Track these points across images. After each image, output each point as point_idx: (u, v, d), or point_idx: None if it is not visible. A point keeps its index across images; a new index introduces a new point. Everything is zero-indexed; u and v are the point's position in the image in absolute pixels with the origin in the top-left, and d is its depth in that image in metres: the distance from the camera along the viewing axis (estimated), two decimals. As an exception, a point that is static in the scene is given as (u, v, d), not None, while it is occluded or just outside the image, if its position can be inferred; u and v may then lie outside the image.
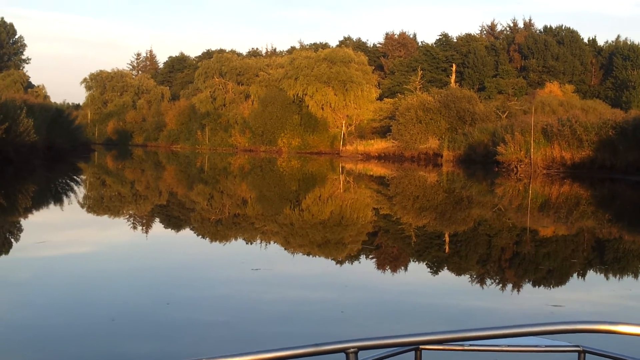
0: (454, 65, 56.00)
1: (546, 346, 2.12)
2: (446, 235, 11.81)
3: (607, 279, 8.26)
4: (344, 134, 50.68)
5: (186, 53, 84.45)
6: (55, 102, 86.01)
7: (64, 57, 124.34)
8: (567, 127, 27.85)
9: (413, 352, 2.04)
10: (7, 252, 9.10)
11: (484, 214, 15.03)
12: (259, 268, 8.02)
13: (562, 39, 56.73)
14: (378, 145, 44.82)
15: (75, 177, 26.79)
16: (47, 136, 32.94)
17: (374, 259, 9.41)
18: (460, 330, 1.35)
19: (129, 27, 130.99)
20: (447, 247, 10.50)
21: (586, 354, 2.04)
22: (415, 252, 10.04)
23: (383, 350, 1.86)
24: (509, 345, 2.06)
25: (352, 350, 1.29)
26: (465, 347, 2.04)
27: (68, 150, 37.20)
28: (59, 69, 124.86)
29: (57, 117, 38.10)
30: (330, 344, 1.32)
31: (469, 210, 15.80)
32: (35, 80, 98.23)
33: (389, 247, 10.56)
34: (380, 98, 55.36)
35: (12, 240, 10.28)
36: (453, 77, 54.52)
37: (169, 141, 66.23)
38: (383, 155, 43.29)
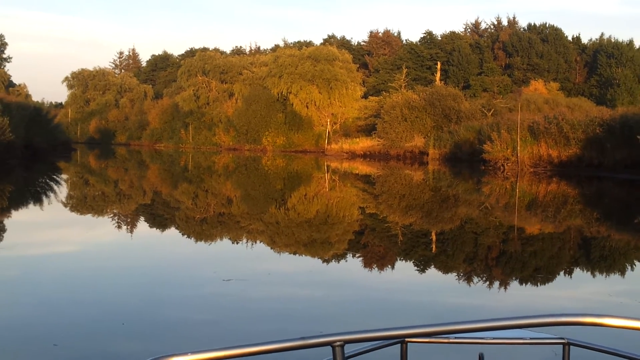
0: (438, 63, 56.31)
1: (531, 338, 2.14)
2: (433, 234, 11.87)
3: (594, 276, 8.37)
4: (329, 132, 50.65)
5: (169, 51, 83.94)
6: (36, 101, 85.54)
7: (46, 56, 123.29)
8: (554, 125, 27.91)
9: (399, 346, 2.06)
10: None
11: (470, 213, 15.11)
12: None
13: (546, 37, 57.22)
14: (363, 143, 44.76)
15: (55, 176, 26.49)
16: (25, 135, 32.38)
17: (361, 258, 9.43)
18: (445, 323, 1.37)
19: (111, 25, 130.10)
20: (433, 246, 10.55)
21: (570, 346, 2.06)
22: (401, 250, 10.09)
23: (369, 343, 1.87)
24: (494, 338, 2.08)
25: (338, 343, 1.31)
26: (451, 340, 2.06)
27: (47, 149, 36.65)
28: (41, 68, 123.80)
29: (36, 115, 37.54)
30: (316, 337, 1.33)
31: (455, 209, 15.88)
32: (17, 79, 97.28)
33: (376, 245, 10.59)
34: (365, 96, 55.48)
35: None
36: (438, 75, 54.81)
37: (152, 140, 65.83)
38: (368, 154, 43.22)
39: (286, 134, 53.30)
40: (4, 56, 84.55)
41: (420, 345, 2.11)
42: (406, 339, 2.02)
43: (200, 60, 64.42)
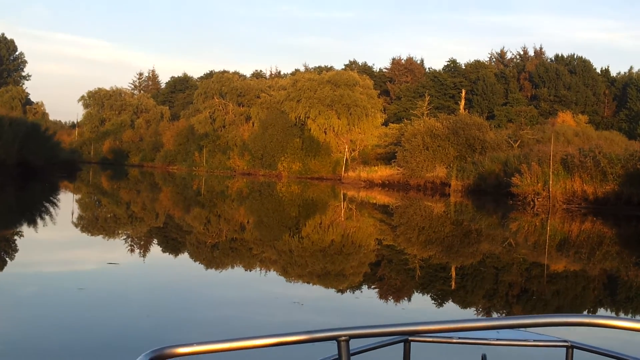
0: (463, 91, 56.24)
1: (534, 340, 2.17)
2: (452, 269, 11.78)
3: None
4: (346, 159, 50.61)
5: (190, 74, 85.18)
6: (53, 120, 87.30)
7: (66, 76, 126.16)
8: (590, 159, 26.63)
9: (402, 345, 2.11)
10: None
11: (493, 249, 14.97)
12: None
13: (574, 68, 57.21)
14: (382, 172, 44.43)
15: (50, 197, 26.35)
16: (18, 152, 31.12)
17: (376, 290, 9.39)
18: (449, 320, 1.40)
19: (133, 47, 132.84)
20: (452, 282, 10.46)
21: (574, 349, 2.08)
22: (419, 284, 10.02)
23: (373, 340, 1.91)
24: (497, 339, 2.12)
25: (343, 338, 1.34)
26: (454, 340, 2.11)
27: (45, 168, 35.13)
28: (61, 87, 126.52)
29: (33, 132, 36.20)
30: (322, 332, 1.37)
31: (477, 245, 15.74)
32: (36, 98, 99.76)
33: (392, 279, 10.54)
34: (385, 124, 55.62)
35: None
36: (462, 102, 54.67)
37: (165, 162, 66.45)
38: (387, 183, 42.86)
39: (302, 159, 53.38)
40: (23, 74, 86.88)
41: (423, 345, 2.14)
42: (409, 338, 2.07)
43: (217, 82, 65.13)
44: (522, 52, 65.44)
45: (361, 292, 9.14)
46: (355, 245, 14.92)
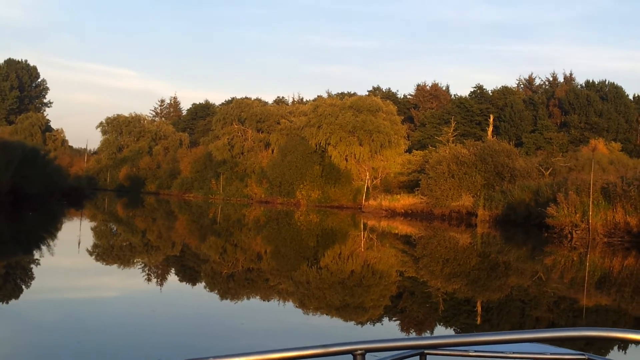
0: (491, 117, 55.95)
1: (551, 354, 2.19)
2: (478, 303, 11.59)
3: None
4: (367, 187, 50.40)
5: (212, 101, 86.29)
6: (72, 147, 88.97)
7: (87, 103, 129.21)
8: (634, 187, 25.18)
9: (418, 357, 2.15)
10: None
11: (523, 284, 14.72)
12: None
13: (606, 95, 56.84)
14: (405, 200, 43.82)
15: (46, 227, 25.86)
16: (11, 179, 29.72)
17: (397, 322, 9.28)
18: (465, 334, 1.46)
19: (156, 74, 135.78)
20: (478, 317, 10.29)
21: None
22: (442, 318, 9.88)
23: (389, 353, 1.95)
24: (514, 352, 2.15)
25: (359, 352, 1.36)
26: (470, 353, 2.14)
27: (39, 195, 33.28)
28: (85, 115, 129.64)
29: (31, 157, 34.80)
30: (338, 345, 1.38)
31: (505, 279, 15.50)
32: (60, 125, 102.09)
33: (414, 311, 10.42)
34: (409, 151, 55.54)
35: None
36: (490, 128, 54.32)
37: (182, 189, 66.93)
38: (410, 212, 42.21)
39: (322, 187, 53.31)
40: (45, 101, 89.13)
41: (439, 359, 2.18)
42: (425, 351, 2.09)
43: (236, 108, 65.72)
44: (551, 79, 65.27)
45: (382, 324, 9.06)
46: (375, 277, 14.79)
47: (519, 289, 13.51)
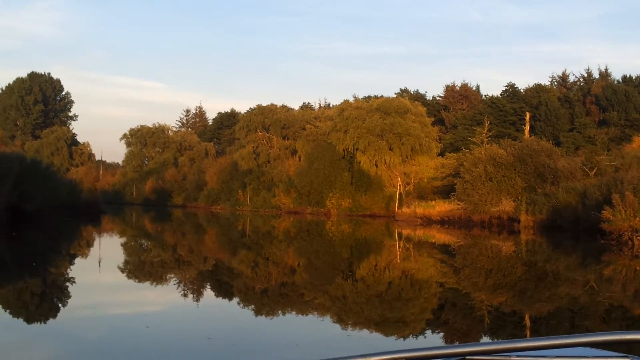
0: (527, 114, 54.89)
1: (594, 357, 2.23)
2: (526, 316, 11.41)
3: None
4: (400, 193, 49.93)
5: (237, 109, 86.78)
6: (108, 161, 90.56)
7: (113, 116, 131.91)
8: None
9: None
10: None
11: (573, 292, 14.46)
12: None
13: (647, 89, 55.86)
14: (440, 207, 42.85)
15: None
16: (7, 195, 27.79)
17: (441, 334, 9.19)
18: (507, 341, 1.44)
19: (181, 85, 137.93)
20: (526, 330, 10.12)
21: None
22: (487, 330, 9.75)
23: None
24: (556, 356, 2.18)
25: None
26: (512, 358, 2.16)
27: (40, 212, 30.93)
28: (107, 128, 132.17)
29: (30, 170, 32.81)
30: (378, 355, 1.40)
31: (555, 289, 15.23)
32: (83, 138, 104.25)
33: (457, 323, 10.32)
34: (441, 154, 55.07)
35: None
36: (527, 127, 53.25)
37: (208, 201, 67.34)
38: (446, 220, 41.09)
39: (352, 195, 52.93)
40: (70, 114, 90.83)
41: None
42: (467, 357, 2.10)
43: (259, 115, 65.78)
44: (585, 75, 64.26)
45: (424, 337, 8.99)
46: (415, 289, 14.68)
47: (570, 299, 13.24)
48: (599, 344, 1.39)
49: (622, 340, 1.36)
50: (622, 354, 2.21)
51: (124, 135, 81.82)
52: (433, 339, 8.97)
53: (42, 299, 12.09)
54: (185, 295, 12.86)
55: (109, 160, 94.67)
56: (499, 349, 1.48)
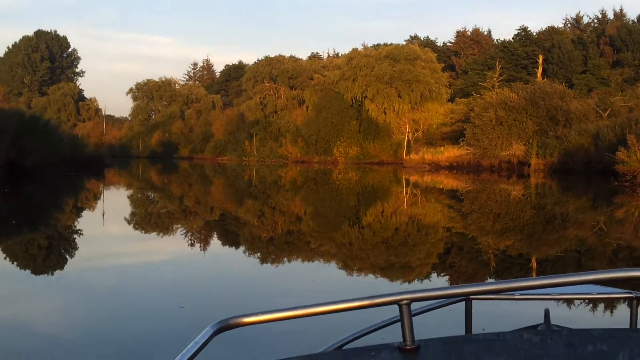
0: (540, 57, 54.11)
1: (598, 293, 2.29)
2: (533, 259, 11.40)
3: None
4: (408, 140, 49.70)
5: (245, 62, 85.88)
6: (113, 115, 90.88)
7: (120, 71, 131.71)
8: None
9: (464, 303, 2.28)
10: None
11: (581, 234, 14.41)
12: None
13: (663, 28, 54.67)
14: (449, 153, 42.71)
15: None
16: (6, 151, 27.56)
17: (446, 278, 9.20)
18: (510, 280, 1.44)
19: (189, 38, 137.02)
20: (532, 271, 10.12)
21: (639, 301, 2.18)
22: (493, 272, 9.75)
23: (435, 301, 2.08)
24: (560, 293, 2.24)
25: (404, 302, 1.40)
26: (516, 297, 2.25)
27: (40, 167, 30.33)
28: (116, 83, 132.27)
29: (29, 126, 32.24)
30: (383, 297, 1.44)
31: (564, 231, 15.20)
32: (90, 94, 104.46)
33: (463, 267, 10.33)
34: (451, 100, 54.57)
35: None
36: (539, 69, 52.60)
37: (215, 153, 67.49)
38: (455, 165, 41.08)
39: (360, 143, 52.91)
40: (77, 70, 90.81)
41: (484, 302, 2.29)
42: (471, 297, 2.20)
43: (267, 65, 65.36)
44: (600, 16, 62.90)
45: (430, 280, 9.01)
46: (421, 234, 14.69)
47: (578, 240, 13.22)
48: (603, 282, 1.42)
49: (627, 278, 1.36)
50: (627, 290, 2.23)
51: (131, 90, 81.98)
52: (439, 283, 8.99)
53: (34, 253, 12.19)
54: (192, 245, 12.95)
55: (117, 115, 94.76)
56: (502, 288, 1.47)
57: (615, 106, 37.43)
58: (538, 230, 15.04)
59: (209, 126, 71.12)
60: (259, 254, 11.91)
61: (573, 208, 20.05)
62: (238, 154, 63.85)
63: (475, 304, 2.32)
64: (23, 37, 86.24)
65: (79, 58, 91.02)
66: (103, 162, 44.82)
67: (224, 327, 1.42)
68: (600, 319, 6.12)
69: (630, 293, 2.19)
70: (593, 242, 12.96)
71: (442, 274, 9.81)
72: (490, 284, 1.48)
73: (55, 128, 39.51)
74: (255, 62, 73.89)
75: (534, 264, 10.69)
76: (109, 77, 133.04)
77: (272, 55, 67.13)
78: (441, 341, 1.41)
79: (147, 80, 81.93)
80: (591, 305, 5.35)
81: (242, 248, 12.97)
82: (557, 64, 55.38)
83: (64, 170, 34.00)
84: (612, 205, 20.00)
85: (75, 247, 12.34)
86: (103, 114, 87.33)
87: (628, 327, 2.16)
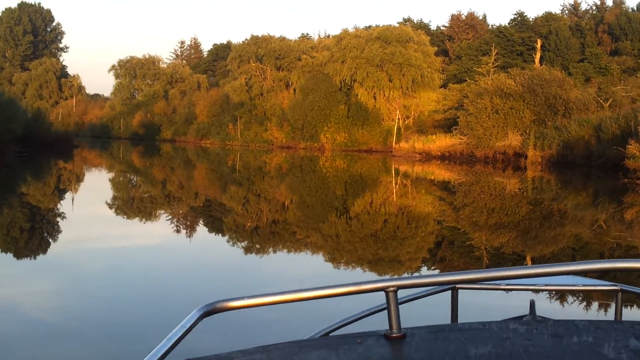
0: (538, 41, 53.84)
1: (583, 285, 2.39)
2: (527, 257, 11.48)
3: None
4: (399, 127, 49.52)
5: (234, 41, 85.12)
6: (98, 93, 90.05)
7: (106, 48, 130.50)
8: None
9: (450, 292, 2.34)
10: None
11: (581, 232, 14.50)
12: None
13: (663, 18, 54.97)
14: (441, 142, 42.13)
15: None
16: None
17: (435, 269, 9.24)
18: (496, 269, 1.50)
19: (174, 15, 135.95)
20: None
21: (623, 292, 2.26)
22: (484, 267, 9.79)
23: (421, 289, 2.15)
24: (545, 285, 2.31)
25: (391, 289, 1.44)
26: (502, 287, 2.31)
27: None
28: (100, 60, 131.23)
29: None
30: (370, 283, 1.49)
31: (561, 228, 15.28)
32: (73, 70, 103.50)
33: (454, 261, 10.39)
34: (444, 86, 54.49)
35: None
36: (538, 55, 52.33)
37: (198, 136, 67.11)
38: (447, 155, 40.44)
39: (348, 129, 52.55)
40: (60, 46, 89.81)
41: (471, 292, 2.37)
42: (457, 286, 2.27)
43: (253, 45, 64.74)
44: (598, 2, 63.10)
45: (419, 273, 9.03)
46: (410, 228, 14.73)
47: (577, 240, 13.28)
48: (587, 272, 1.43)
49: (611, 269, 1.42)
50: (611, 283, 2.31)
51: (113, 67, 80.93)
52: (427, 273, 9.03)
53: None
54: (177, 231, 12.96)
55: (107, 94, 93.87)
56: (489, 277, 1.51)
57: (616, 96, 37.06)
58: (534, 227, 14.89)
59: (192, 107, 70.60)
60: (243, 244, 11.92)
61: (572, 205, 20.14)
62: (222, 137, 63.51)
63: (461, 294, 2.40)
64: (5, 9, 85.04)
65: (63, 32, 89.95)
66: (71, 142, 43.34)
67: (210, 310, 1.44)
68: (586, 310, 6.18)
69: (615, 285, 2.26)
70: (601, 247, 13.06)
71: (431, 268, 9.87)
72: (477, 272, 1.53)
73: (11, 102, 36.56)
74: (241, 42, 73.27)
75: (529, 263, 10.76)
76: (96, 55, 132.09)
77: (258, 35, 66.66)
78: (427, 329, 1.45)
79: (130, 57, 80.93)
80: (576, 297, 5.55)
81: (226, 237, 12.98)
82: (553, 52, 55.49)
83: (15, 150, 32.21)
84: (622, 205, 19.27)
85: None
86: (85, 91, 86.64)
87: (613, 319, 2.25)
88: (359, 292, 1.47)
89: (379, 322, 1.73)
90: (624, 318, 2.24)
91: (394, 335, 1.40)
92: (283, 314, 5.79)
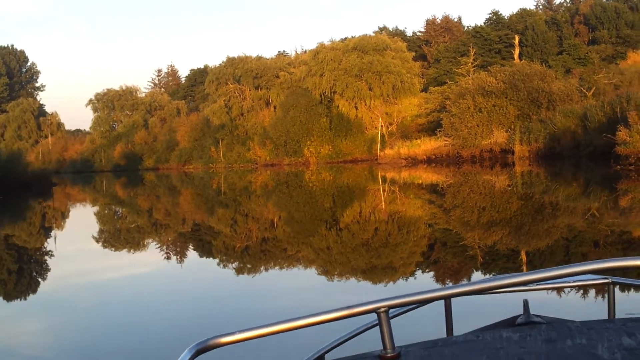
0: (516, 37, 54.40)
1: (575, 281, 2.44)
2: (522, 253, 11.44)
3: None
4: (382, 135, 49.66)
5: (211, 65, 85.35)
6: (81, 130, 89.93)
7: (84, 83, 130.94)
8: None
9: (442, 302, 2.35)
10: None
11: (574, 222, 14.50)
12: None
13: (636, 5, 55.70)
14: (426, 145, 42.43)
15: None
16: None
17: (433, 279, 9.18)
18: (488, 279, 1.50)
19: (149, 44, 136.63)
20: (524, 266, 10.14)
21: (615, 285, 2.33)
22: (479, 265, 9.76)
23: (414, 306, 2.19)
24: (538, 284, 2.34)
25: (382, 309, 1.46)
26: (494, 290, 2.32)
27: None
28: (79, 95, 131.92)
29: None
30: (361, 306, 1.50)
31: (554, 220, 15.28)
32: (52, 108, 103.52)
33: (448, 261, 10.34)
34: (425, 90, 54.78)
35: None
36: (517, 51, 52.92)
37: (180, 161, 67.04)
38: (433, 158, 40.70)
39: (332, 141, 52.77)
40: (37, 85, 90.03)
41: (464, 298, 2.28)
42: (452, 299, 2.31)
43: (229, 66, 65.02)
44: (572, -6, 63.90)
45: (415, 279, 8.96)
46: (402, 233, 14.68)
47: (570, 229, 13.26)
48: (580, 274, 1.45)
49: (603, 270, 1.44)
50: (603, 276, 2.33)
51: (90, 101, 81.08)
52: (421, 282, 8.95)
53: None
54: (167, 258, 12.83)
55: (87, 129, 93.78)
56: (481, 289, 1.54)
57: (599, 84, 37.36)
58: (527, 222, 14.84)
59: (173, 134, 70.54)
60: (234, 265, 11.81)
61: (563, 197, 20.18)
62: (204, 161, 63.40)
63: (454, 301, 2.42)
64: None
65: (38, 72, 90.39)
66: (49, 180, 42.82)
67: (202, 348, 1.44)
68: (579, 305, 6.16)
69: (607, 278, 2.30)
70: (595, 236, 13.05)
71: (425, 272, 9.82)
72: (468, 285, 1.53)
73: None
74: (218, 65, 73.28)
75: (524, 258, 10.72)
76: (75, 90, 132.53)
77: (234, 56, 66.82)
78: (421, 346, 1.45)
79: (107, 89, 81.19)
80: (569, 292, 5.59)
81: (216, 260, 12.85)
82: (531, 47, 55.99)
83: None
84: (617, 192, 18.97)
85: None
86: (65, 127, 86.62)
87: (606, 311, 2.33)
88: (351, 316, 1.49)
89: (373, 340, 1.72)
90: (617, 310, 2.34)
91: (389, 355, 1.41)
92: (277, 341, 5.69)
